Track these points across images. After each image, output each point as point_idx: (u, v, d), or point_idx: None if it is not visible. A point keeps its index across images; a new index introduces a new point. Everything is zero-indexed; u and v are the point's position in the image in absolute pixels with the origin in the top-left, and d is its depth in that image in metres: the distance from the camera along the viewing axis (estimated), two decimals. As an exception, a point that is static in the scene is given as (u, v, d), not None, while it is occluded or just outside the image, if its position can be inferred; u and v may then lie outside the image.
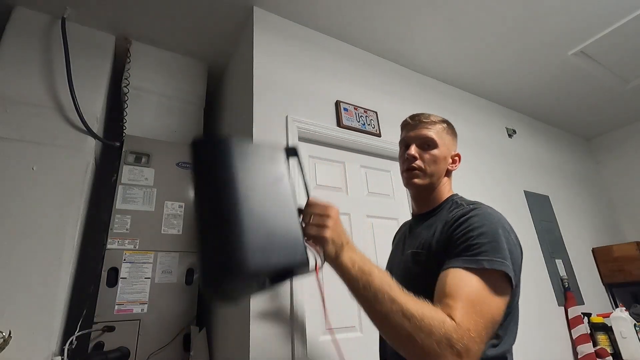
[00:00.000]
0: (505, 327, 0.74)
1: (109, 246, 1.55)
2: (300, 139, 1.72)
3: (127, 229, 1.61)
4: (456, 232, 0.75)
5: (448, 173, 0.97)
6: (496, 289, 0.66)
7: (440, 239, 0.79)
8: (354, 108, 1.96)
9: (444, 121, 0.98)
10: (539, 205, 2.66)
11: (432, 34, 2.15)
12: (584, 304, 2.48)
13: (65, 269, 1.42)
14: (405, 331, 0.58)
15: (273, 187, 0.72)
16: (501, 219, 0.78)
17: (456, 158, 0.98)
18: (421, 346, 0.57)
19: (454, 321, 0.59)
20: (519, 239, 0.79)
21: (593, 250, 2.90)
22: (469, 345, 0.57)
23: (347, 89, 2.02)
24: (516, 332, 0.78)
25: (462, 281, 0.66)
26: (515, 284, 0.71)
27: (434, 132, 0.94)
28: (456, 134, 1.01)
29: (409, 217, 1.94)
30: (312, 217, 0.73)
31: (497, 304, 0.66)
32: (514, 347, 0.77)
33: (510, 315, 0.76)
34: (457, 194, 0.94)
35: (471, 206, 0.82)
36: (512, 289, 0.69)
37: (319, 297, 1.39)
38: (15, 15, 1.75)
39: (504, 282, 0.68)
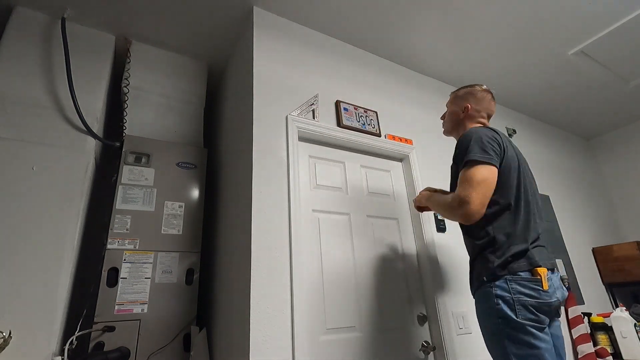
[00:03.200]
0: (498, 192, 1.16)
1: (109, 246, 1.55)
2: (300, 139, 1.72)
3: (127, 229, 1.61)
4: (455, 151, 1.26)
5: (464, 120, 1.38)
6: (482, 172, 1.12)
7: (454, 158, 1.28)
8: (354, 108, 1.96)
9: (454, 92, 1.47)
10: (539, 205, 2.66)
11: (432, 34, 2.15)
12: (584, 303, 2.48)
13: (65, 269, 1.42)
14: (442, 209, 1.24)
15: None
16: (476, 132, 1.21)
17: (465, 108, 1.37)
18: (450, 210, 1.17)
19: (460, 195, 1.12)
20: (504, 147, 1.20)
21: (593, 250, 2.90)
22: (465, 198, 1.10)
23: (347, 89, 2.02)
24: (511, 194, 1.16)
25: (462, 176, 1.16)
26: (500, 163, 1.16)
27: (448, 102, 1.48)
28: (465, 93, 1.40)
29: (409, 217, 1.95)
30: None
31: (480, 173, 1.12)
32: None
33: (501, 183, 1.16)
34: (469, 129, 1.27)
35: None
36: (494, 161, 1.14)
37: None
38: (15, 15, 1.75)
39: (484, 166, 1.13)
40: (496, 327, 1.05)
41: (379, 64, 2.28)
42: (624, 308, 2.32)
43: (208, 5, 1.87)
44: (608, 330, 2.29)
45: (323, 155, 1.80)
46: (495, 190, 1.14)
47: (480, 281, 1.13)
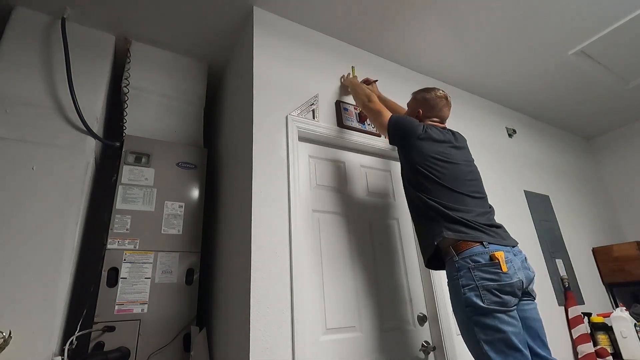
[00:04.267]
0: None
1: (109, 246, 1.55)
2: (300, 139, 1.72)
3: (127, 229, 1.61)
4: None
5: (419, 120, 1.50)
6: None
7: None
8: (354, 108, 1.96)
9: (413, 93, 1.63)
10: (539, 205, 2.66)
11: (432, 34, 2.15)
12: (584, 303, 2.48)
13: (65, 269, 1.42)
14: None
15: None
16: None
17: (418, 112, 1.54)
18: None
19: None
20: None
21: (593, 250, 2.90)
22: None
23: (347, 89, 2.02)
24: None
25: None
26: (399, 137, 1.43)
27: (409, 101, 1.66)
28: (421, 98, 1.55)
29: (409, 217, 1.95)
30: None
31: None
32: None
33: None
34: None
35: None
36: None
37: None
38: (15, 15, 1.75)
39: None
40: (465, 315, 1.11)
41: (379, 64, 2.28)
42: (624, 308, 2.32)
43: (208, 5, 1.87)
44: (608, 330, 2.29)
45: (323, 155, 1.80)
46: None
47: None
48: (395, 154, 2.01)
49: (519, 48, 2.31)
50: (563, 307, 2.31)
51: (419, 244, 1.37)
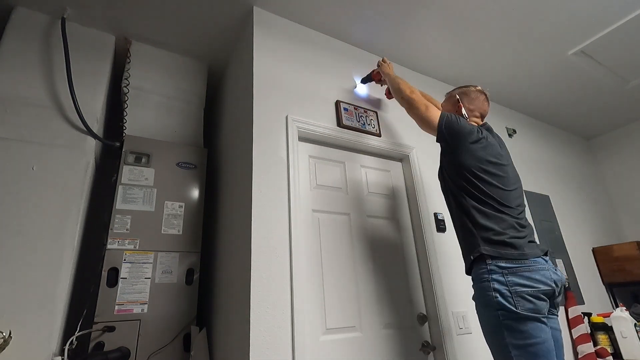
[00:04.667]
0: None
1: (109, 246, 1.55)
2: (300, 139, 1.72)
3: (127, 229, 1.61)
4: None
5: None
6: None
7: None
8: (354, 108, 1.96)
9: (448, 92, 1.59)
10: (539, 205, 2.66)
11: (432, 34, 2.15)
12: (584, 303, 2.48)
13: (65, 269, 1.42)
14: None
15: None
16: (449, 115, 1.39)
17: (458, 107, 1.47)
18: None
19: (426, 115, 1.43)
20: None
21: (593, 250, 2.90)
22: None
23: (347, 89, 2.02)
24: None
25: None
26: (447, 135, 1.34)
27: (443, 102, 1.62)
28: (459, 93, 1.50)
29: (409, 217, 1.95)
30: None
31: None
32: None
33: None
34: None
35: None
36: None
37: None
38: (15, 15, 1.75)
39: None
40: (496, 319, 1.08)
41: (379, 64, 2.27)
42: (624, 308, 2.32)
43: (208, 5, 1.87)
44: (608, 330, 2.29)
45: (323, 155, 1.80)
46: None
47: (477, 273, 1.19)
48: (395, 154, 2.01)
49: (518, 48, 2.31)
50: (563, 307, 2.31)
51: (461, 248, 1.31)
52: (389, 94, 2.01)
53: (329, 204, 1.70)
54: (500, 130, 2.81)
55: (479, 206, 1.21)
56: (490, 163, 1.26)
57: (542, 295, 1.08)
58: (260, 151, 1.53)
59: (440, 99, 2.46)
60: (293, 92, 1.78)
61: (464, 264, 1.28)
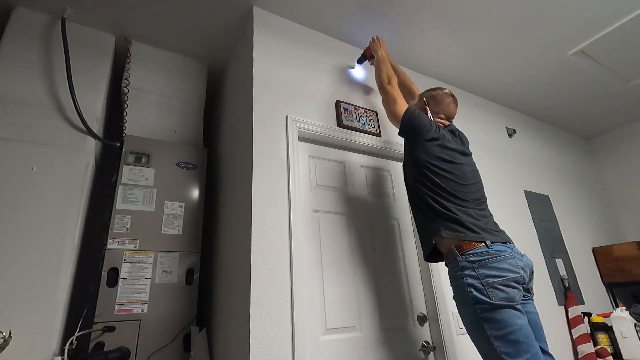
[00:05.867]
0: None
1: (109, 246, 1.55)
2: (300, 139, 1.72)
3: (127, 229, 1.61)
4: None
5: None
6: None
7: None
8: (354, 108, 1.96)
9: (420, 94, 1.69)
10: (539, 205, 2.66)
11: (432, 34, 2.15)
12: (584, 303, 2.48)
13: (65, 269, 1.42)
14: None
15: None
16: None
17: (424, 109, 1.58)
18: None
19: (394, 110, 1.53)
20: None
21: (593, 250, 2.90)
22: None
23: (347, 89, 2.02)
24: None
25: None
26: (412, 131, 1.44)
27: (414, 102, 1.71)
28: (427, 96, 1.61)
29: (409, 217, 1.95)
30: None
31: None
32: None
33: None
34: None
35: None
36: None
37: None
38: (15, 15, 1.75)
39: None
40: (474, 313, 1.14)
41: (379, 64, 2.27)
42: (624, 308, 2.32)
43: (208, 5, 1.87)
44: (608, 330, 2.29)
45: (323, 155, 1.80)
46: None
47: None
48: (395, 154, 2.01)
49: (519, 48, 2.31)
50: (563, 307, 2.31)
51: (419, 237, 1.41)
52: (372, 60, 2.01)
53: (329, 204, 1.70)
54: (500, 130, 2.81)
55: (435, 196, 1.30)
56: (444, 161, 1.35)
57: (512, 283, 1.12)
58: (260, 151, 1.53)
59: (440, 99, 2.49)
60: (293, 92, 1.78)
61: None
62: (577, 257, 2.69)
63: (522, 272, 1.16)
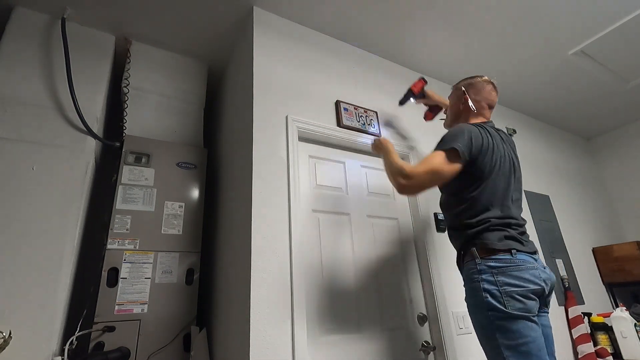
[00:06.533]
0: (475, 196, 1.20)
1: (109, 246, 1.55)
2: (300, 139, 1.72)
3: (127, 229, 1.61)
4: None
5: (463, 112, 1.43)
6: (443, 157, 1.18)
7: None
8: (354, 108, 1.96)
9: (454, 84, 1.53)
10: (539, 205, 2.66)
11: (432, 34, 2.15)
12: (584, 303, 2.48)
13: (65, 269, 1.42)
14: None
15: None
16: (467, 127, 1.25)
17: (464, 99, 1.42)
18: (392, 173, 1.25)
19: (408, 169, 1.19)
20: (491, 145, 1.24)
21: (593, 250, 2.90)
22: (412, 175, 1.16)
23: (347, 89, 2.02)
24: (491, 202, 1.19)
25: (427, 155, 1.23)
26: (469, 157, 1.18)
27: (449, 95, 1.56)
28: (465, 84, 1.45)
29: (409, 217, 1.95)
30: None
31: (439, 162, 1.17)
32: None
33: (479, 188, 1.20)
34: (464, 124, 1.31)
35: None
36: (460, 158, 1.17)
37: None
38: (15, 15, 1.75)
39: (452, 154, 1.18)
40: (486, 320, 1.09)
41: (379, 64, 2.28)
42: (624, 308, 2.32)
43: (208, 5, 1.87)
44: (608, 330, 2.29)
45: (323, 155, 1.80)
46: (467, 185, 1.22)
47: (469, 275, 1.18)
48: (395, 154, 2.01)
49: (519, 48, 2.31)
50: (563, 307, 2.31)
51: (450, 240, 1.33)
52: (430, 115, 1.91)
53: (329, 204, 1.70)
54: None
55: (471, 205, 1.21)
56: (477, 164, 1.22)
57: (531, 295, 1.07)
58: (260, 151, 1.53)
59: (440, 99, 2.49)
60: (293, 92, 1.78)
61: None
62: (577, 257, 2.69)
63: (543, 284, 1.11)
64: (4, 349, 1.18)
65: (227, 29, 2.03)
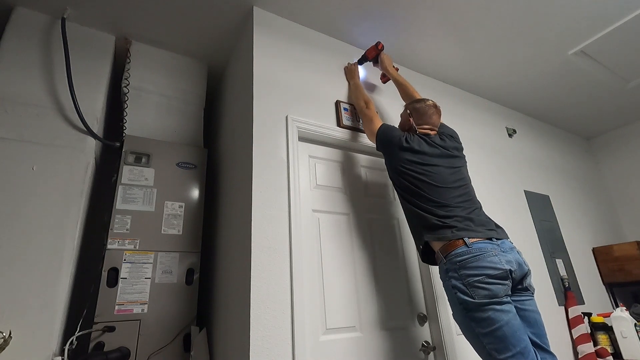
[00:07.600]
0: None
1: (109, 246, 1.55)
2: (300, 139, 1.72)
3: (127, 229, 1.61)
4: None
5: (411, 128, 1.60)
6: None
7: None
8: (354, 108, 1.96)
9: (405, 105, 1.71)
10: (539, 205, 2.66)
11: (432, 34, 2.15)
12: (584, 303, 2.48)
13: (65, 269, 1.42)
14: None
15: None
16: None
17: (409, 120, 1.61)
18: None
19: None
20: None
21: (593, 250, 2.90)
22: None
23: (347, 89, 2.02)
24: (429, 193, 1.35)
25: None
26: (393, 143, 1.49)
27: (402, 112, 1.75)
28: (411, 108, 1.62)
29: (409, 217, 1.94)
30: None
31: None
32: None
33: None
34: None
35: None
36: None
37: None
38: (15, 15, 1.75)
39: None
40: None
41: (379, 64, 2.28)
42: (624, 308, 2.32)
43: (208, 5, 1.87)
44: (608, 330, 2.29)
45: (323, 155, 1.80)
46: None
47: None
48: (395, 154, 2.01)
49: (519, 48, 2.31)
50: (563, 307, 2.31)
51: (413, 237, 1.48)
52: (383, 78, 2.10)
53: (329, 204, 1.70)
54: (500, 130, 2.81)
55: (416, 200, 1.36)
56: (417, 164, 1.40)
57: (493, 280, 1.12)
58: (260, 151, 1.53)
59: (441, 99, 2.50)
60: (293, 92, 1.78)
61: None
62: (577, 257, 2.69)
63: (506, 266, 1.15)
64: (4, 349, 1.18)
65: (227, 29, 2.03)
